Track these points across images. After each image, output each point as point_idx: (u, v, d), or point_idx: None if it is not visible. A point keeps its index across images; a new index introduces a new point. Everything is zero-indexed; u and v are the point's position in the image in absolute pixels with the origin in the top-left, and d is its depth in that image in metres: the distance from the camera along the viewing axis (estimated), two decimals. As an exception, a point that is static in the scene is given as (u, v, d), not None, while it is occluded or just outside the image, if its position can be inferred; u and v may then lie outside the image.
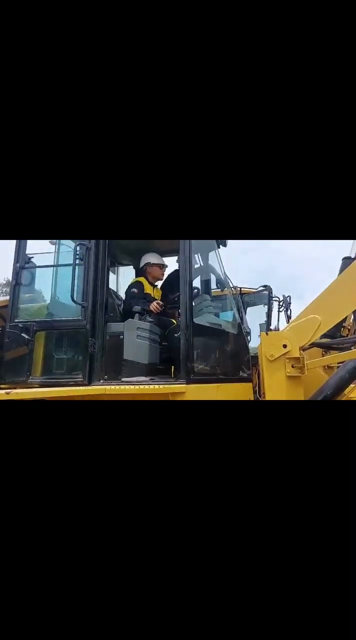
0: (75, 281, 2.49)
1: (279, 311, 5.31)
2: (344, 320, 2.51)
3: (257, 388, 2.47)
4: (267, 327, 5.15)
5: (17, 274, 2.71)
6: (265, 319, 5.33)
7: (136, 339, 2.58)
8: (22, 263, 2.76)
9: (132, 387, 2.34)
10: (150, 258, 3.17)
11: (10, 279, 2.80)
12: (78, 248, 2.48)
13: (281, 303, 5.33)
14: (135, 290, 2.95)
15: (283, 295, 5.29)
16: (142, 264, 3.21)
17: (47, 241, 2.95)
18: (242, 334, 2.52)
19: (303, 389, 2.09)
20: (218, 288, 3.33)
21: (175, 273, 3.37)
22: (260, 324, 5.27)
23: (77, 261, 2.51)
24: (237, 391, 2.33)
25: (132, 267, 3.72)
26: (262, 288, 5.39)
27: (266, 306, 5.39)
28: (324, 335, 2.23)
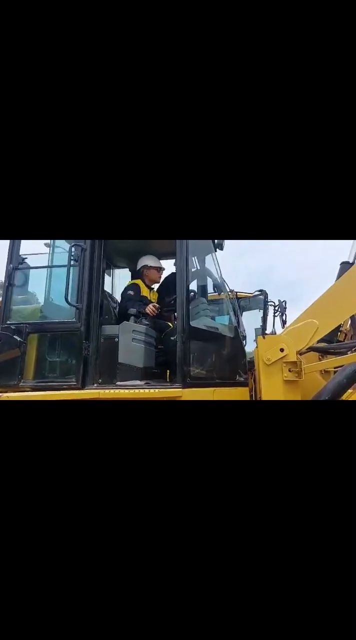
0: (70, 283, 2.45)
1: (274, 316, 5.34)
2: (341, 324, 2.50)
3: (252, 392, 2.44)
4: (262, 331, 5.14)
5: (9, 274, 2.66)
6: (261, 324, 5.33)
7: (131, 342, 2.54)
8: (16, 264, 2.72)
9: (126, 391, 2.29)
10: (148, 260, 3.14)
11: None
12: (73, 249, 2.44)
13: (276, 308, 5.35)
14: (131, 292, 2.92)
15: (279, 300, 5.31)
16: (139, 266, 3.18)
17: (41, 242, 2.92)
18: (239, 338, 2.49)
19: (300, 394, 2.06)
20: (215, 292, 3.31)
21: (172, 276, 3.35)
22: (255, 329, 5.27)
23: (72, 262, 2.47)
24: (233, 396, 2.30)
25: (128, 269, 3.69)
26: (258, 292, 5.40)
27: (261, 311, 5.41)
28: (321, 340, 2.21)
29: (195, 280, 3.01)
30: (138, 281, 3.10)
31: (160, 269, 3.22)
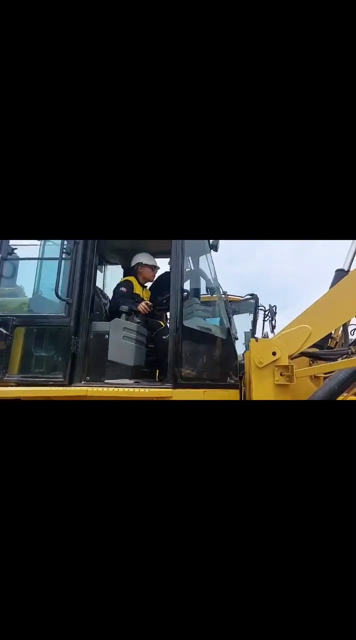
0: (61, 276, 2.38)
1: (264, 320, 5.38)
2: (333, 332, 2.52)
3: (243, 395, 2.43)
4: (251, 335, 5.17)
5: (-2, 265, 2.57)
6: (250, 328, 5.36)
7: (122, 340, 2.49)
8: (5, 254, 2.63)
9: (115, 389, 2.24)
10: (143, 258, 3.10)
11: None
12: (65, 242, 2.37)
13: (266, 312, 5.39)
14: (123, 289, 2.87)
15: (269, 305, 5.35)
16: (133, 264, 3.13)
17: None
18: (231, 340, 2.48)
19: (291, 398, 2.06)
20: (207, 293, 3.29)
21: (165, 275, 3.31)
22: (244, 332, 5.29)
23: (64, 255, 2.41)
24: (223, 397, 2.28)
25: (120, 266, 3.63)
26: (249, 296, 5.43)
27: (251, 314, 5.44)
28: (312, 346, 2.22)
29: (188, 280, 2.98)
30: (132, 278, 3.05)
31: (154, 268, 3.18)
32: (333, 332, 2.55)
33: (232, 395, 2.32)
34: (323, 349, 2.47)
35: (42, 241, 2.84)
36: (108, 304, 3.04)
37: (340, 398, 1.98)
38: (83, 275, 2.48)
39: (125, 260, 3.44)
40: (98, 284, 3.33)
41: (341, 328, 2.41)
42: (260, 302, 5.34)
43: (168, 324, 2.95)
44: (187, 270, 2.78)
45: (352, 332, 2.39)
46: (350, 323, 2.37)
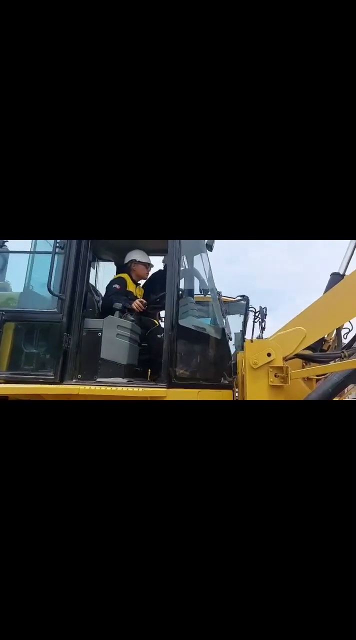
0: (53, 271, 2.31)
1: (254, 321, 5.41)
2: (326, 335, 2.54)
3: (236, 396, 2.42)
4: (242, 336, 5.20)
5: (-13, 257, 2.48)
6: (241, 329, 5.39)
7: (116, 338, 2.44)
8: (-5, 246, 2.54)
9: (108, 388, 2.20)
10: (136, 255, 3.05)
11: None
12: (60, 236, 2.31)
13: (257, 314, 5.43)
14: (117, 286, 2.82)
15: (260, 307, 5.40)
16: (126, 260, 3.08)
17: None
18: (226, 340, 2.47)
19: (285, 399, 2.06)
20: (201, 293, 3.28)
21: (159, 273, 3.28)
22: (235, 333, 5.31)
23: (57, 250, 2.34)
24: (217, 398, 2.27)
25: (113, 263, 3.57)
26: (240, 298, 5.46)
27: (242, 316, 5.47)
28: (306, 348, 2.24)
29: (183, 279, 2.96)
30: (125, 275, 3.00)
31: (148, 265, 3.14)
32: (326, 335, 2.58)
33: (225, 396, 2.31)
34: (316, 352, 2.49)
35: (34, 234, 2.75)
36: (101, 300, 2.99)
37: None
38: (76, 270, 2.42)
39: (118, 257, 3.39)
40: (90, 281, 3.26)
41: (335, 331, 2.44)
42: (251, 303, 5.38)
43: (161, 323, 2.93)
44: (182, 269, 2.76)
45: (345, 336, 2.42)
46: (343, 327, 2.40)
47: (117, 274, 3.18)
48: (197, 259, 3.05)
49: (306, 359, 2.31)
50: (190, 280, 3.08)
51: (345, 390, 2.19)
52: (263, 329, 5.38)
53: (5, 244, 2.73)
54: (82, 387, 2.19)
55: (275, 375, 2.05)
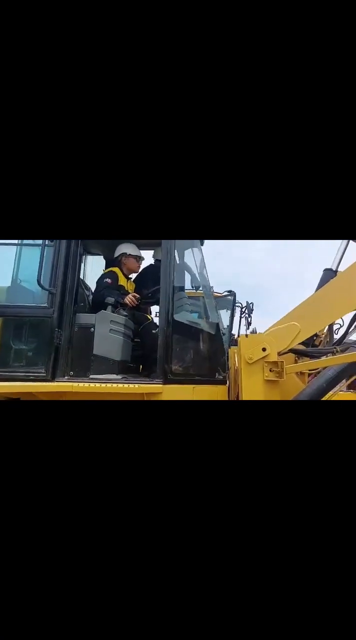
0: (43, 264, 2.22)
1: (241, 317, 5.46)
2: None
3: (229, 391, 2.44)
4: (229, 332, 5.23)
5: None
6: (227, 324, 5.42)
7: (109, 333, 2.39)
8: (-21, 238, 2.41)
9: (102, 385, 2.15)
10: (127, 248, 2.98)
11: None
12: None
13: (243, 309, 5.48)
14: (108, 280, 2.75)
15: (247, 302, 5.45)
16: (117, 254, 3.01)
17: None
18: (220, 335, 2.47)
19: (279, 394, 2.09)
20: (192, 288, 3.26)
21: (150, 267, 3.23)
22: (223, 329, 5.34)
23: (47, 242, 2.26)
24: (212, 393, 2.27)
25: (102, 257, 3.49)
26: (227, 293, 5.48)
27: (228, 311, 5.50)
28: (299, 343, 2.27)
29: (175, 273, 2.92)
30: (116, 269, 2.94)
31: (139, 259, 3.08)
32: (318, 330, 2.63)
33: (220, 391, 2.31)
34: (309, 347, 2.53)
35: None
36: (91, 295, 2.91)
37: (327, 395, 2.05)
38: (67, 263, 2.34)
39: (108, 251, 3.31)
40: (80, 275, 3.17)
41: (327, 327, 2.49)
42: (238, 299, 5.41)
43: (155, 318, 2.89)
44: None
45: (336, 332, 2.47)
46: (335, 322, 2.45)
47: (107, 268, 3.11)
48: (187, 253, 3.03)
49: (300, 354, 2.34)
50: (182, 275, 3.06)
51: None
52: (249, 324, 5.44)
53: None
54: (75, 384, 2.14)
55: (270, 370, 2.07)
